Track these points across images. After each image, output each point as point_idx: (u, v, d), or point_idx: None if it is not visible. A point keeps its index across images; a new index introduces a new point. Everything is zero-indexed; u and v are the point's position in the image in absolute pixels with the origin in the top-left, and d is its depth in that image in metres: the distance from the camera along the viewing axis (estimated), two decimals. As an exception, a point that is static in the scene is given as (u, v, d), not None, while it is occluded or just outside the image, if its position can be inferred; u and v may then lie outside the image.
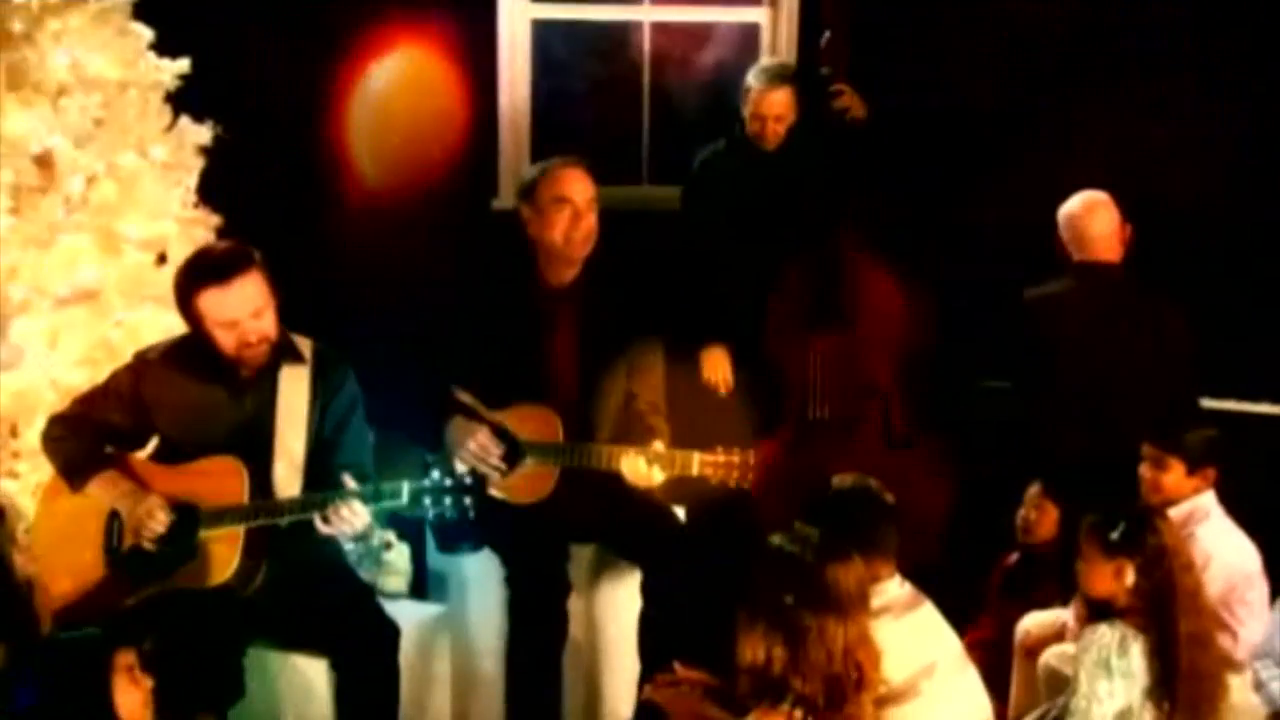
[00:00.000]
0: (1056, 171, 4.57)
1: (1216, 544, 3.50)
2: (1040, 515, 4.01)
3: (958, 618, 3.28)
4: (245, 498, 3.23)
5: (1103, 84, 5.02)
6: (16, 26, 3.72)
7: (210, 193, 4.20)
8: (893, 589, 3.07)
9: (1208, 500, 3.60)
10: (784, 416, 4.51)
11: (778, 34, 5.31)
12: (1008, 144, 5.00)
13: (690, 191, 4.81)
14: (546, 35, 5.42)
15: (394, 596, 3.84)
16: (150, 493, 3.29)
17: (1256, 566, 3.54)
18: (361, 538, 3.28)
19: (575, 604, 3.66)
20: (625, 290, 3.79)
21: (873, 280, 4.48)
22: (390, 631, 3.33)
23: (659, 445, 3.50)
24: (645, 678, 3.39)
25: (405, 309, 3.98)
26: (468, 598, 3.84)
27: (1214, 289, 4.55)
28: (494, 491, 3.57)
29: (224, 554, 3.22)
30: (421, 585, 3.98)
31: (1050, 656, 3.51)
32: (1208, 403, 4.37)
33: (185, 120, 4.12)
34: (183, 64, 4.10)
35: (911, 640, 2.99)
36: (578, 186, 3.71)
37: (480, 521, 3.34)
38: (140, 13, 4.05)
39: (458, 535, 3.71)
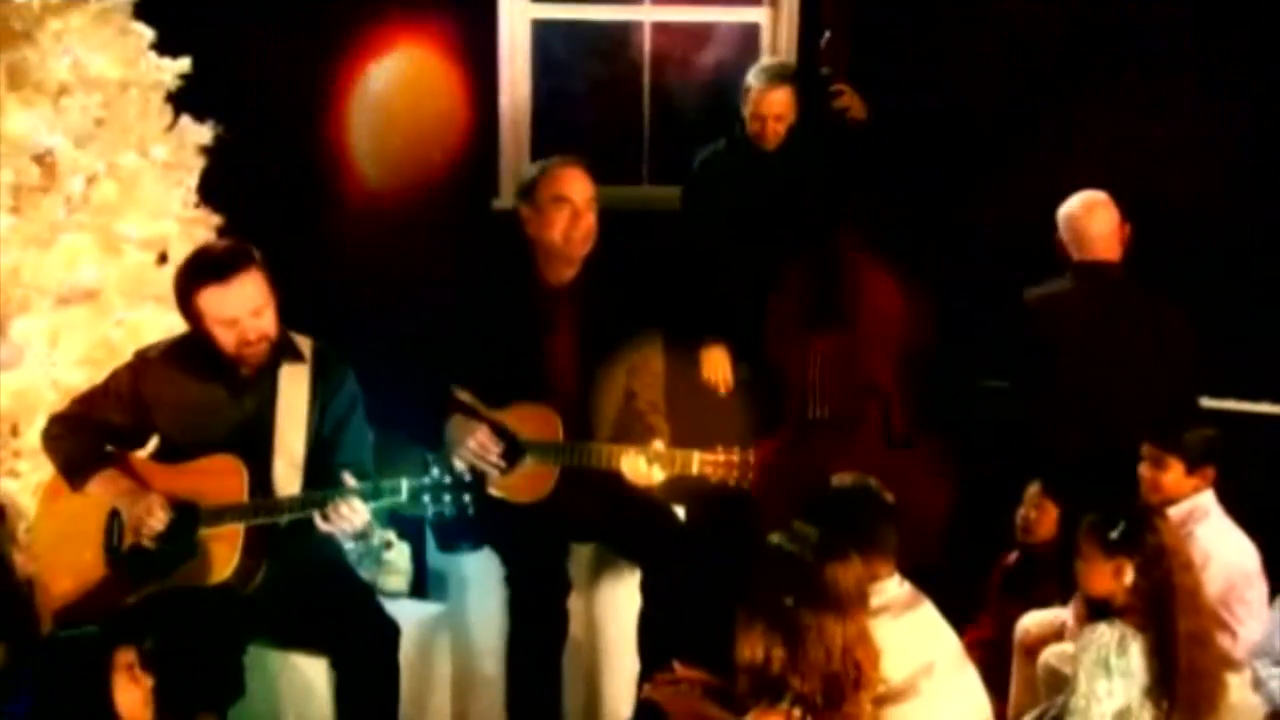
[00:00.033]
0: (1056, 171, 4.57)
1: (1215, 543, 3.50)
2: (1040, 515, 4.01)
3: (958, 617, 3.29)
4: (245, 496, 3.23)
5: (1103, 84, 5.02)
6: (17, 26, 3.73)
7: (211, 192, 4.20)
8: (892, 588, 3.07)
9: (1207, 499, 3.60)
10: (784, 416, 4.51)
11: (778, 34, 5.31)
12: (1008, 144, 5.00)
13: (690, 191, 4.82)
14: (547, 35, 5.42)
15: (394, 596, 3.84)
16: (150, 491, 3.29)
17: (1255, 566, 3.54)
18: (361, 537, 3.27)
19: (575, 603, 3.66)
20: (624, 289, 3.80)
21: (873, 280, 4.48)
22: (390, 631, 3.34)
23: (659, 444, 3.50)
24: (645, 677, 3.39)
25: (405, 309, 3.98)
26: (468, 597, 3.84)
27: (1214, 289, 4.54)
28: (494, 490, 3.58)
29: (223, 552, 3.22)
30: (421, 584, 3.98)
31: (1050, 655, 3.51)
32: (1208, 402, 4.38)
33: (186, 120, 4.12)
34: (184, 64, 4.11)
35: (910, 639, 2.99)
36: (577, 186, 3.71)
37: (480, 520, 3.34)
38: (141, 12, 4.05)
39: (458, 534, 3.71)
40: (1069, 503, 3.86)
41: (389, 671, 3.31)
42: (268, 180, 4.93)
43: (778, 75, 4.60)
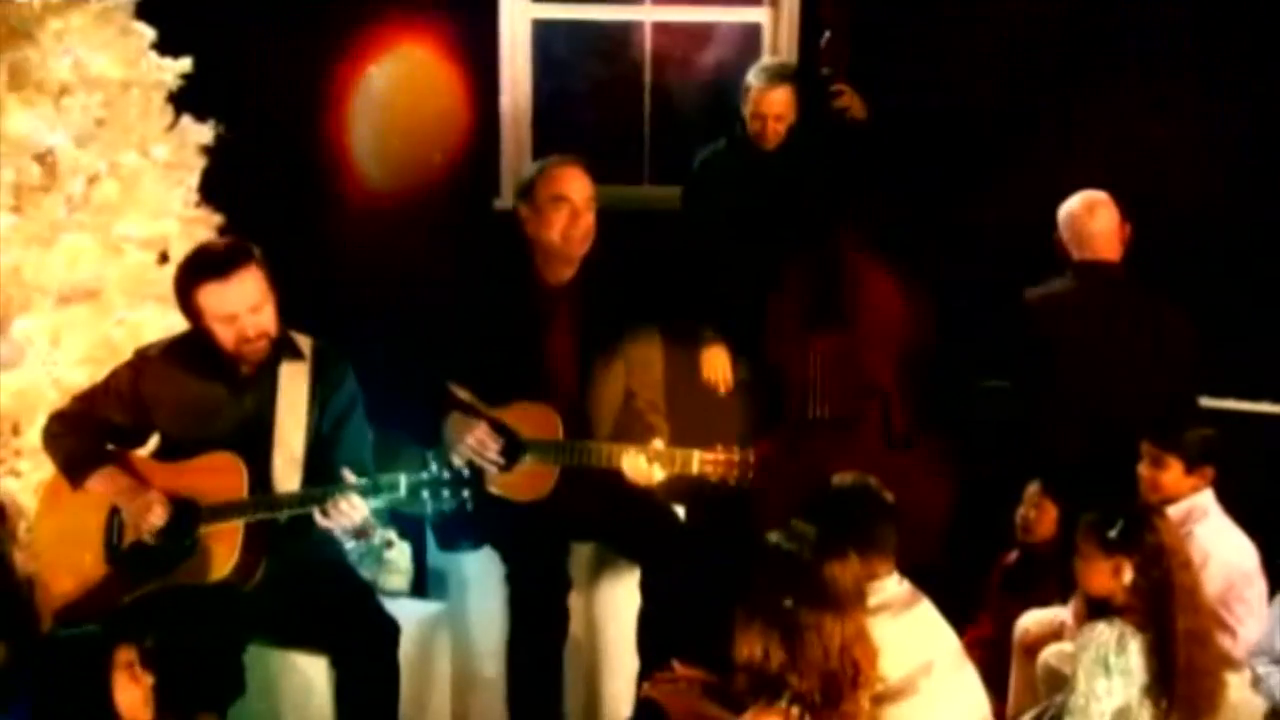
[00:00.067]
0: (1056, 171, 4.57)
1: (1214, 542, 3.51)
2: (1039, 514, 4.01)
3: (957, 616, 3.29)
4: (245, 494, 3.23)
5: (1103, 84, 5.02)
6: (18, 25, 3.73)
7: (212, 192, 4.21)
8: (891, 587, 3.07)
9: (1206, 499, 3.61)
10: (784, 416, 4.51)
11: (778, 34, 5.31)
12: (1008, 144, 4.99)
13: (690, 191, 4.82)
14: (547, 35, 5.42)
15: (394, 595, 3.85)
16: (150, 488, 3.29)
17: (1254, 564, 3.55)
18: (362, 535, 3.28)
19: (575, 602, 3.66)
20: (624, 289, 3.80)
21: (872, 280, 4.48)
22: (390, 630, 3.34)
23: (659, 443, 3.51)
24: (644, 675, 3.39)
25: (405, 309, 3.99)
26: (468, 596, 3.84)
27: (1214, 289, 4.54)
28: (494, 489, 3.58)
29: (223, 550, 3.22)
30: (422, 583, 3.98)
31: (1049, 655, 3.52)
32: (1208, 402, 4.38)
33: (187, 119, 4.13)
34: (184, 63, 4.11)
35: (909, 638, 2.99)
36: (576, 185, 3.71)
37: (481, 519, 3.34)
38: (142, 12, 4.06)
39: (458, 533, 3.72)
40: (1068, 502, 3.85)
41: (389, 670, 3.32)
42: (268, 180, 4.94)
43: (778, 75, 4.61)
